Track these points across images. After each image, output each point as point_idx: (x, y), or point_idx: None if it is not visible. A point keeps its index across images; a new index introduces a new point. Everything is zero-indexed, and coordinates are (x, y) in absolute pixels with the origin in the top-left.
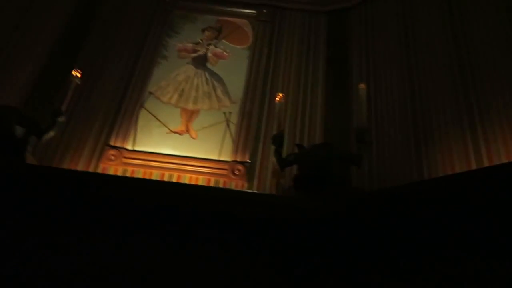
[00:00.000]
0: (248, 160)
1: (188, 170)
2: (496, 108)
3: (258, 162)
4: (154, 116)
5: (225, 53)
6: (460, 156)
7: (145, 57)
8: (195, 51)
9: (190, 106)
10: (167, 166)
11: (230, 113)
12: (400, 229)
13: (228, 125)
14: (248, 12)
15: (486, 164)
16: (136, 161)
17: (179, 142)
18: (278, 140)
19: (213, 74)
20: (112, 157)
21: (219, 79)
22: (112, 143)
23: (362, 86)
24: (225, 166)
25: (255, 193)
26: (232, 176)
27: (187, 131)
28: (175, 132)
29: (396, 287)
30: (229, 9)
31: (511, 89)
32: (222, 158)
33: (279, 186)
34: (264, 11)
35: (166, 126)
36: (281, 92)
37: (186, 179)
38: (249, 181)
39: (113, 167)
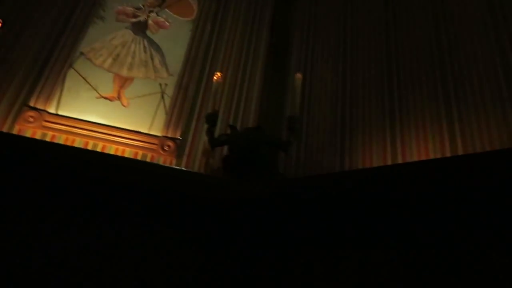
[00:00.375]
0: (179, 137)
1: (115, 141)
2: (413, 108)
3: (189, 139)
4: (84, 79)
5: (167, 22)
6: (378, 151)
7: (80, 14)
8: (135, 16)
9: (125, 73)
10: (93, 134)
11: (166, 85)
12: (320, 215)
13: (162, 97)
14: None
15: (400, 161)
16: (58, 126)
17: (108, 108)
18: (211, 119)
19: (152, 42)
20: (31, 119)
21: (158, 49)
22: (32, 104)
23: (298, 75)
24: (155, 141)
25: (183, 170)
26: (161, 152)
27: (119, 98)
28: (105, 98)
29: (319, 268)
30: None
31: (428, 92)
32: (152, 132)
33: (208, 165)
34: None
35: (96, 90)
36: (220, 71)
37: (112, 149)
38: (178, 158)
39: (31, 130)
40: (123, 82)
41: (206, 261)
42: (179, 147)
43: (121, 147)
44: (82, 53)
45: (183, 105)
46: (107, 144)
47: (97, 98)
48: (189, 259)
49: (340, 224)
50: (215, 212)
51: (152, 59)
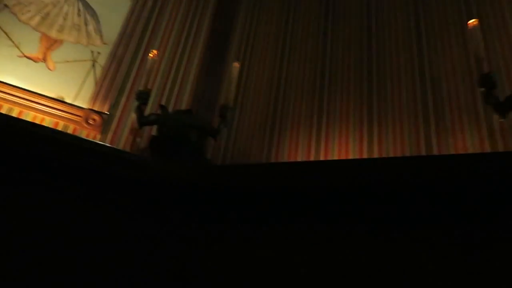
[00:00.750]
0: (106, 112)
1: (34, 107)
2: (340, 109)
3: (117, 115)
4: (5, 34)
5: None
6: (304, 147)
7: None
8: None
9: (54, 34)
10: (9, 97)
11: (98, 53)
12: (242, 204)
13: (93, 66)
14: None
15: (322, 158)
16: None
17: (31, 70)
18: (142, 97)
19: (88, 7)
20: None
21: (94, 14)
22: None
23: (236, 64)
24: (80, 113)
25: (107, 146)
26: (85, 125)
27: (44, 60)
28: (28, 58)
29: (238, 253)
30: None
31: (354, 96)
32: (77, 103)
33: (135, 144)
34: None
35: (18, 48)
36: (158, 49)
37: (29, 116)
38: (103, 134)
39: None
40: (51, 43)
41: (125, 239)
42: (106, 122)
43: (40, 115)
44: (6, 6)
45: (115, 78)
46: (25, 110)
47: (19, 56)
48: (107, 236)
49: (260, 214)
50: (138, 192)
51: (86, 24)
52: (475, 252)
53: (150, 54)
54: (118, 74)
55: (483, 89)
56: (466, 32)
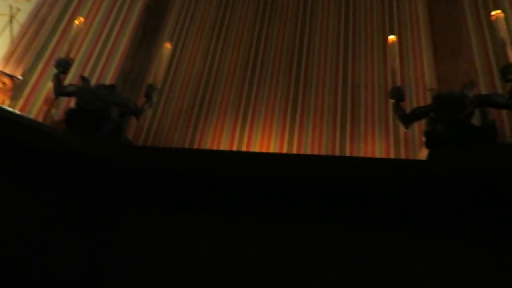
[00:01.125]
0: (19, 76)
1: None
2: (267, 102)
3: (31, 81)
4: None
5: None
6: (228, 136)
7: None
8: None
9: None
10: None
11: (18, 9)
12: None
13: (11, 22)
14: None
15: (244, 149)
16: None
17: None
18: (62, 65)
19: None
20: None
21: None
22: None
23: (168, 45)
24: None
25: (16, 113)
26: None
27: None
28: None
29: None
30: None
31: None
32: None
33: (49, 115)
34: None
35: None
36: (86, 17)
37: None
38: (12, 100)
39: None
40: None
41: (29, 212)
42: (17, 87)
43: None
44: None
45: (34, 40)
46: None
47: None
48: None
49: (174, 198)
50: (48, 164)
51: None
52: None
53: (76, 21)
54: (38, 37)
55: (393, 100)
56: (385, 45)
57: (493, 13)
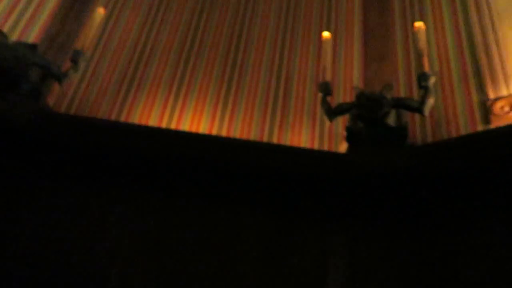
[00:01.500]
0: None
1: None
2: (202, 79)
3: None
4: None
5: None
6: (158, 112)
7: None
8: None
9: None
10: None
11: None
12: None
13: None
14: None
15: (173, 126)
16: None
17: None
18: None
19: None
20: None
21: None
22: None
23: (100, 10)
24: None
25: None
26: None
27: None
28: None
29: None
30: None
31: (218, 70)
32: None
33: None
34: None
35: None
36: None
37: None
38: None
39: None
40: None
41: None
42: None
43: None
44: None
45: None
46: None
47: None
48: None
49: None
50: None
51: None
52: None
53: None
54: None
55: (321, 93)
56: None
57: (416, 24)
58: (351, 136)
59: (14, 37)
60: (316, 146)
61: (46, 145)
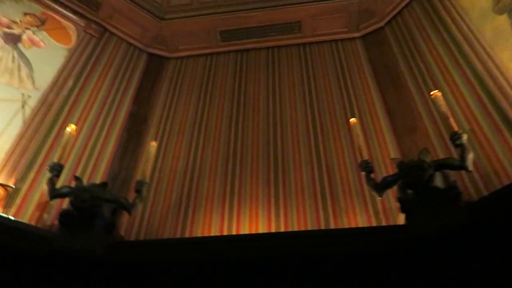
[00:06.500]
0: (12, 185)
1: None
2: (250, 188)
3: (23, 189)
4: None
5: (42, 43)
6: (217, 223)
7: None
8: (9, 27)
9: None
10: None
11: (29, 96)
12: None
13: (23, 107)
14: (77, 20)
15: (234, 232)
16: None
17: None
18: (56, 169)
19: (22, 55)
20: None
21: (28, 63)
22: None
23: (153, 143)
24: None
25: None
26: None
27: None
28: None
29: None
30: (60, 9)
31: (263, 176)
32: None
33: (41, 220)
34: (94, 26)
35: None
36: (76, 123)
37: None
38: (5, 208)
39: None
40: None
41: None
42: (10, 195)
43: None
44: None
45: (24, 151)
46: None
47: None
48: None
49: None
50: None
51: (19, 70)
52: None
53: (68, 128)
54: (28, 149)
55: (363, 172)
56: (350, 126)
57: (432, 93)
58: (405, 205)
59: (84, 179)
60: (374, 224)
61: (122, 270)
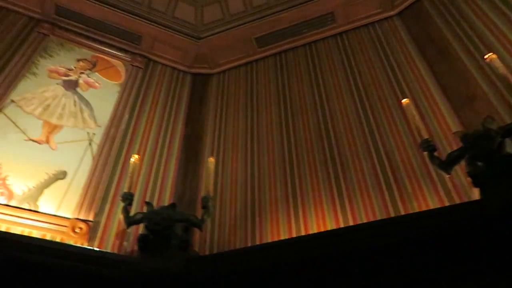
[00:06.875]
0: (91, 219)
1: (21, 223)
2: (311, 188)
3: (102, 222)
4: (13, 122)
5: (96, 83)
6: (285, 226)
7: (12, 69)
8: (67, 75)
9: (54, 121)
10: None
11: (94, 134)
12: None
13: (90, 145)
14: (123, 56)
15: (303, 233)
16: None
17: (37, 151)
18: (128, 199)
19: (82, 98)
20: None
21: (88, 104)
22: None
23: (211, 159)
24: (65, 223)
25: (95, 249)
26: (72, 234)
27: (47, 141)
28: (33, 141)
29: None
30: (106, 49)
31: (322, 175)
32: (62, 214)
33: (122, 248)
34: (139, 59)
35: (24, 133)
36: (138, 153)
37: (17, 232)
38: (90, 241)
39: None
40: (53, 128)
41: None
42: (92, 229)
43: (27, 229)
44: (12, 101)
45: (98, 187)
46: (12, 226)
47: (25, 140)
48: None
49: None
50: None
51: (81, 112)
52: None
53: (132, 159)
54: (101, 183)
55: (425, 153)
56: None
57: (486, 56)
58: (477, 179)
59: (154, 203)
60: (447, 204)
61: (204, 285)
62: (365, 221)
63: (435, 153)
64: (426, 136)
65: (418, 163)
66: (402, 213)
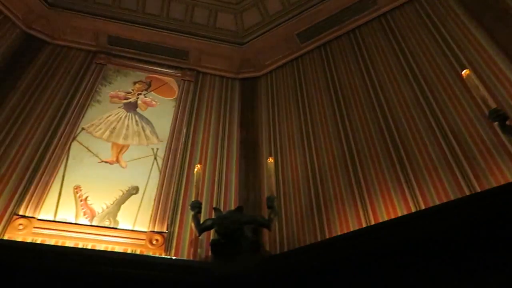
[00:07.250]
0: (165, 230)
1: (103, 240)
2: (376, 176)
3: (175, 232)
4: (86, 148)
5: (153, 102)
6: (353, 217)
7: (79, 100)
8: (126, 98)
9: (121, 141)
10: (81, 236)
11: (157, 149)
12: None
13: (155, 158)
14: (174, 73)
15: (372, 222)
16: (48, 230)
17: (109, 170)
18: (197, 207)
19: (142, 117)
20: (20, 227)
21: (148, 122)
22: (21, 212)
23: (270, 159)
24: (143, 236)
25: (172, 258)
26: (150, 246)
27: (117, 161)
28: (105, 162)
29: None
30: (158, 69)
31: (385, 161)
32: (138, 228)
33: (196, 255)
34: (189, 73)
35: (97, 156)
36: (201, 158)
37: (101, 248)
38: (166, 251)
39: (21, 237)
40: (120, 148)
41: None
42: (167, 240)
43: (110, 245)
44: (83, 129)
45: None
46: (97, 244)
47: (98, 162)
48: None
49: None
50: None
51: (143, 130)
52: None
53: (195, 168)
54: (169, 195)
55: (496, 122)
56: (464, 80)
57: None
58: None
59: (221, 208)
60: None
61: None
62: (437, 203)
63: (507, 122)
64: (494, 106)
65: (489, 136)
66: (478, 190)
